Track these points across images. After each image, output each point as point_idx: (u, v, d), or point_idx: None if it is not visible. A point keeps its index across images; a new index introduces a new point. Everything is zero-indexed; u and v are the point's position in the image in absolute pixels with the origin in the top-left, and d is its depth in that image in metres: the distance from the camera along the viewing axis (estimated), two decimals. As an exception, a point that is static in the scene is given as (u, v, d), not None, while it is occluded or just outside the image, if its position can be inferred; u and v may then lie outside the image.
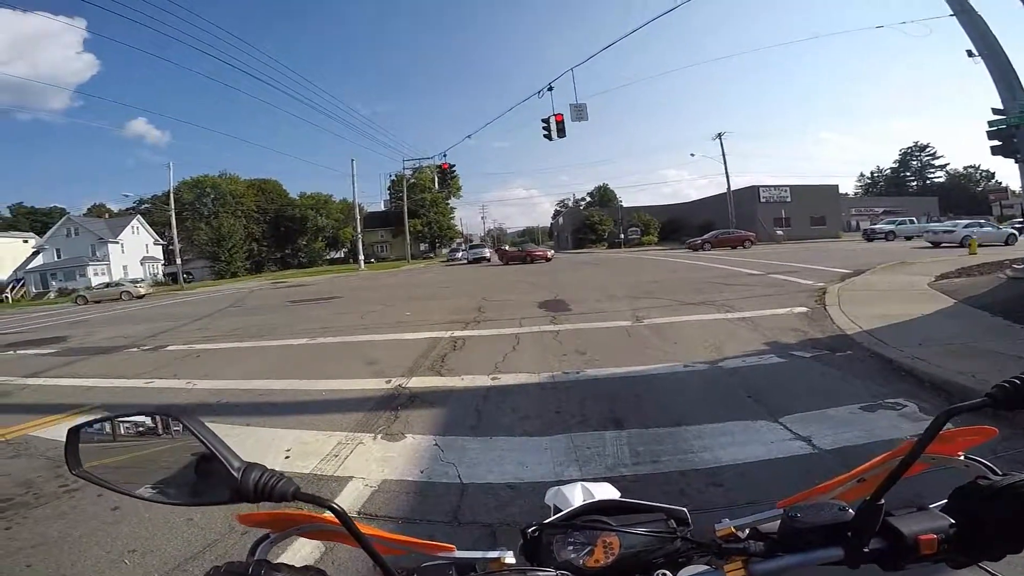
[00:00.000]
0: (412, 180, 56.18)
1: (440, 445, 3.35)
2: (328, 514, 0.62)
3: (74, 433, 0.63)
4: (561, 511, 0.73)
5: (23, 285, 47.76)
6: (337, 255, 64.00)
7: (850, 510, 0.55)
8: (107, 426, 0.65)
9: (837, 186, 52.87)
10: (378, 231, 64.65)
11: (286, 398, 4.84)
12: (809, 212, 43.75)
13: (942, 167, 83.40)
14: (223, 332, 9.96)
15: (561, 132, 17.75)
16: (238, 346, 8.20)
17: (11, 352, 9.72)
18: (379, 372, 5.46)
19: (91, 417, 0.66)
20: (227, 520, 2.54)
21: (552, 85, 17.66)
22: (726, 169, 44.00)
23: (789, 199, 46.46)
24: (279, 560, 0.59)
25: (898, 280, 9.35)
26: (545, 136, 17.91)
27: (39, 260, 50.84)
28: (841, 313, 6.39)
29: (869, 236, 32.33)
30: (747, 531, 0.61)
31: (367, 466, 3.11)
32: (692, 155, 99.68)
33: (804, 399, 3.65)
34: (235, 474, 0.54)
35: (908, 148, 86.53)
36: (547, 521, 0.65)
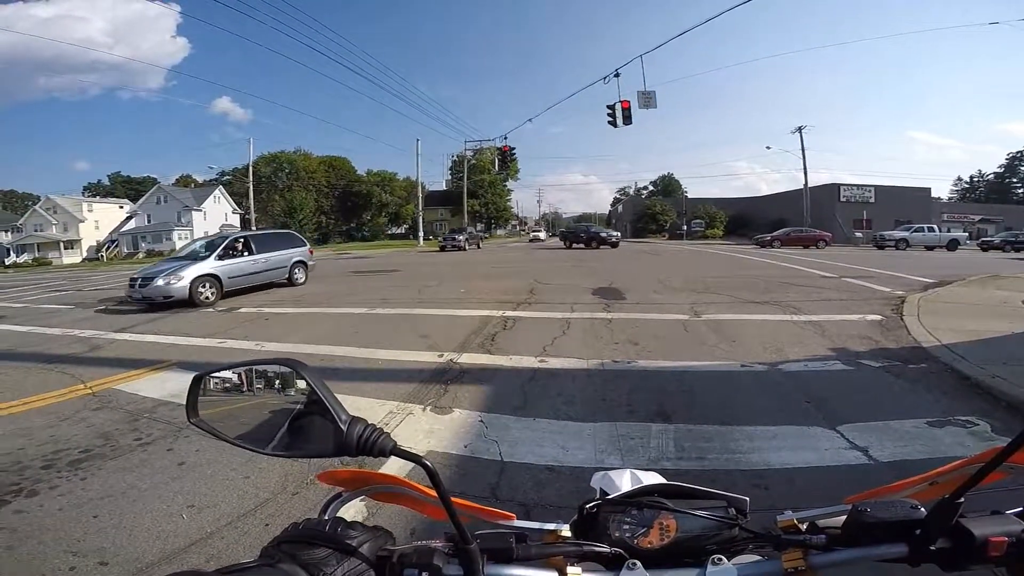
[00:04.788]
0: (472, 161, 56.72)
1: (485, 422, 3.44)
2: (401, 476, 0.68)
3: (196, 382, 0.66)
4: (608, 494, 0.74)
5: (116, 246, 53.01)
6: (398, 231, 66.15)
7: (922, 508, 0.54)
8: (225, 376, 0.67)
9: (929, 189, 47.80)
10: (438, 209, 66.02)
11: (344, 364, 5.11)
12: (894, 215, 40.00)
13: (1057, 175, 73.79)
14: (290, 297, 10.60)
15: (627, 119, 17.23)
16: (303, 311, 8.72)
17: (103, 307, 10.69)
18: (432, 346, 5.64)
19: (212, 367, 0.68)
20: (280, 480, 2.71)
21: (619, 72, 17.17)
22: (804, 164, 41.12)
23: (872, 200, 42.77)
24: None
25: (989, 295, 8.44)
26: (610, 123, 17.44)
27: (131, 224, 56.11)
28: (919, 324, 5.88)
29: (879, 244, 28.84)
30: (807, 524, 0.61)
31: (415, 436, 3.25)
32: (768, 148, 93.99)
33: (867, 409, 3.43)
34: (342, 427, 0.56)
35: (1017, 152, 77.05)
36: (607, 498, 0.66)
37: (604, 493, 0.82)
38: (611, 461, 2.81)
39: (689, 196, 59.33)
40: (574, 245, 29.47)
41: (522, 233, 53.20)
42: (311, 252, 13.29)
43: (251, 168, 42.71)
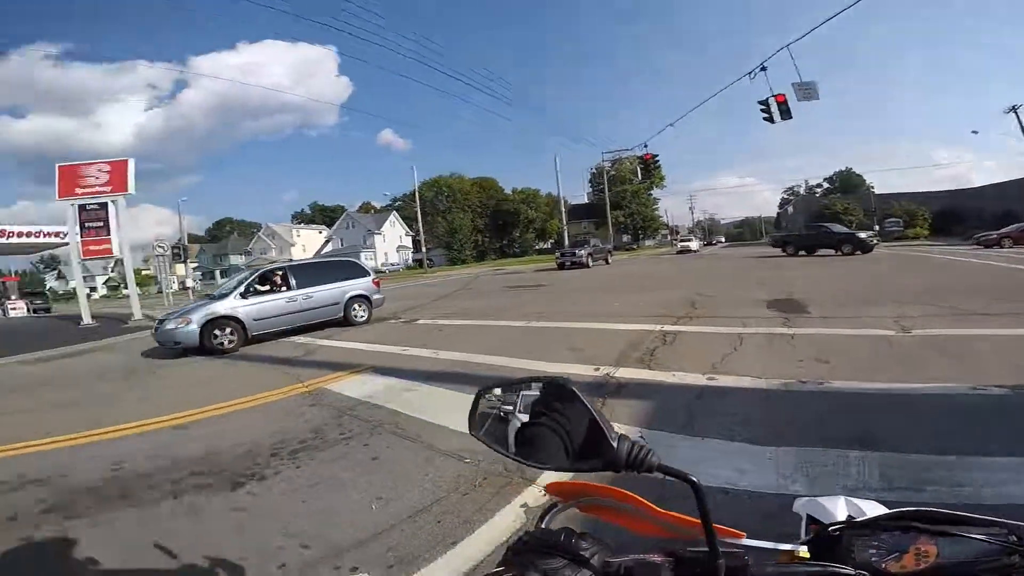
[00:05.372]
0: (612, 172, 55.90)
1: (646, 438, 3.34)
2: (618, 490, 0.71)
3: (478, 397, 0.72)
4: (819, 521, 0.72)
5: (317, 268, 64.56)
6: (544, 245, 68.03)
7: None
8: (501, 392, 0.72)
9: None
10: (582, 222, 66.25)
11: (509, 374, 5.42)
12: None
13: None
14: (458, 310, 11.68)
15: (786, 114, 15.70)
16: (470, 323, 9.55)
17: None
18: (587, 359, 5.69)
19: (493, 381, 0.75)
20: (454, 480, 2.97)
21: (765, 65, 15.81)
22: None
23: None
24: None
25: None
26: (765, 119, 16.02)
27: (329, 247, 67.45)
28: None
29: None
30: None
31: (575, 450, 3.30)
32: (974, 132, 75.56)
33: None
34: (613, 443, 0.59)
35: None
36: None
37: (812, 519, 0.78)
38: (796, 487, 2.54)
39: (877, 191, 50.23)
40: (800, 253, 23.46)
41: (673, 243, 48.74)
42: (377, 284, 11.08)
43: (417, 193, 48.16)
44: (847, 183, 68.89)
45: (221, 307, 8.75)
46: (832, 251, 22.10)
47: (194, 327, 8.33)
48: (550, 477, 2.93)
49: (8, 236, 22.49)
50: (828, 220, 46.41)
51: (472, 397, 0.76)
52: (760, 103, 16.07)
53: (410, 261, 62.78)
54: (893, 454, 2.79)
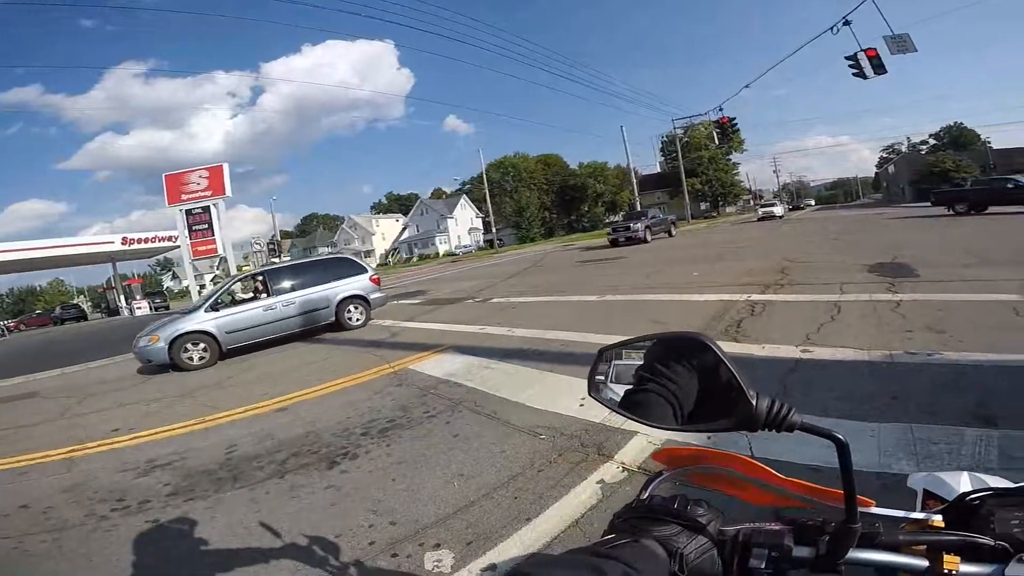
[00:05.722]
0: (685, 139, 52.69)
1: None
2: (736, 456, 0.68)
3: (600, 356, 0.69)
4: (939, 496, 0.70)
5: (398, 253, 67.50)
6: (616, 218, 66.19)
7: None
8: (628, 349, 0.69)
9: None
10: (655, 192, 63.55)
11: (582, 350, 5.34)
12: None
13: None
14: (530, 287, 11.75)
15: (880, 68, 14.35)
16: (542, 299, 9.57)
17: (395, 302, 12.53)
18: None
19: (617, 340, 0.71)
20: (529, 456, 3.01)
21: (848, 19, 14.30)
22: None
23: None
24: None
25: None
26: (855, 75, 14.73)
27: (406, 234, 70.54)
28: None
29: None
30: None
31: (655, 426, 3.22)
32: None
33: None
34: (752, 401, 0.54)
35: None
36: (999, 488, 0.61)
37: (929, 493, 0.76)
38: (901, 466, 2.33)
39: (994, 147, 43.46)
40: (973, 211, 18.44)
41: (756, 208, 43.73)
42: (376, 282, 9.96)
43: (484, 175, 48.52)
44: (960, 138, 60.29)
45: (188, 323, 8.21)
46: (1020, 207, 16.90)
47: (162, 345, 7.93)
48: (635, 449, 2.92)
49: (132, 243, 25.84)
50: (938, 178, 41.29)
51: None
52: (848, 58, 15.01)
53: (481, 242, 63.82)
54: (1016, 432, 2.47)
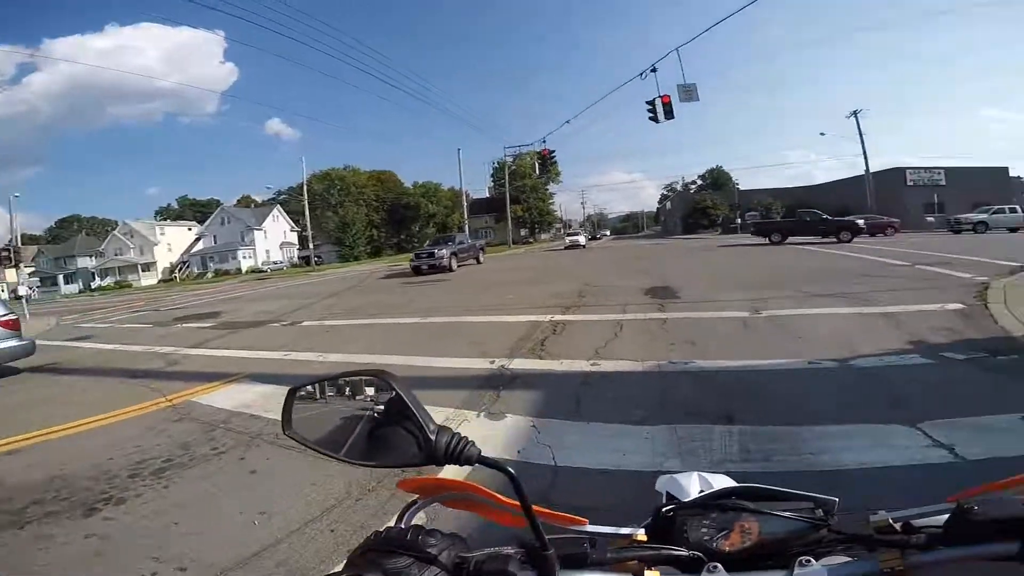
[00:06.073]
0: (513, 167, 57.01)
1: (537, 427, 3.42)
2: (475, 483, 0.69)
3: (291, 394, 0.68)
4: (676, 498, 0.74)
5: (188, 267, 57.30)
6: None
7: None
8: (317, 388, 0.69)
9: (1007, 168, 43.49)
10: (482, 217, 66.73)
11: (401, 373, 5.17)
12: (970, 198, 36.60)
13: None
14: (348, 310, 11.05)
15: (669, 114, 16.96)
16: (360, 323, 9.06)
17: (179, 325, 11.49)
18: (483, 352, 5.70)
19: (306, 380, 0.71)
20: (345, 487, 2.79)
21: (656, 67, 17.02)
22: (864, 150, 38.57)
23: (943, 182, 39.93)
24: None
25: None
26: (651, 119, 17.24)
27: (200, 245, 60.51)
28: (1007, 312, 5.36)
29: (955, 228, 26.06)
30: (900, 524, 0.58)
31: (470, 442, 3.28)
32: (822, 134, 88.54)
33: (951, 405, 3.16)
34: (431, 436, 0.57)
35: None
36: (685, 501, 0.65)
37: (670, 496, 0.81)
38: (671, 464, 2.72)
39: (741, 188, 57.09)
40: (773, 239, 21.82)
41: (565, 236, 47.04)
42: (11, 326, 7.07)
43: (305, 186, 44.94)
44: (718, 180, 77.14)
45: None
46: (823, 238, 21.01)
47: None
48: (454, 470, 2.86)
49: None
50: (700, 214, 52.04)
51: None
52: (647, 103, 17.21)
53: (295, 258, 58.49)
54: (749, 427, 3.11)
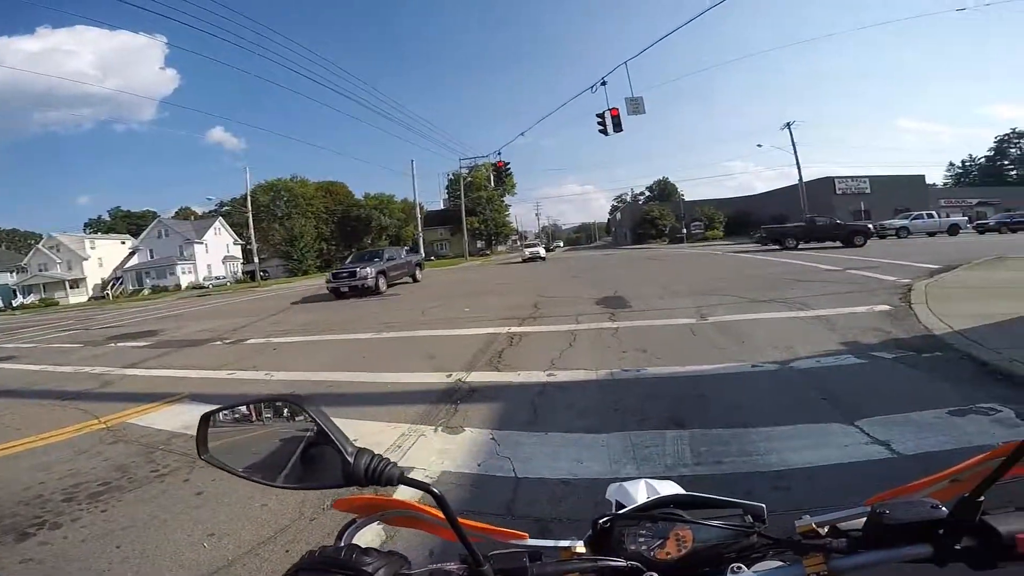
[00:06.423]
0: (468, 179, 57.12)
1: (496, 439, 3.40)
2: (414, 501, 0.68)
3: (205, 419, 0.68)
4: (624, 506, 0.75)
5: (121, 283, 53.43)
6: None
7: (943, 508, 0.53)
8: (232, 413, 0.70)
9: (923, 176, 48.79)
10: (437, 229, 66.36)
11: (354, 390, 5.09)
12: (892, 204, 40.28)
13: (1047, 154, 74.32)
14: (297, 326, 10.62)
15: (617, 127, 17.46)
16: (310, 339, 8.72)
17: (112, 344, 10.77)
18: (439, 366, 5.62)
19: (220, 404, 0.71)
20: (297, 506, 2.69)
21: (606, 80, 17.48)
22: (797, 160, 41.39)
23: (868, 190, 43.62)
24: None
25: (996, 277, 8.40)
26: (601, 131, 17.68)
27: (135, 260, 56.65)
28: (929, 312, 5.84)
29: (880, 233, 27.96)
30: (827, 528, 0.60)
31: (428, 457, 3.22)
32: (759, 146, 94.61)
33: (884, 402, 3.38)
34: (349, 459, 0.58)
35: (1005, 135, 78.05)
36: (620, 512, 0.66)
37: (620, 505, 0.82)
38: (627, 471, 2.76)
39: (686, 199, 59.71)
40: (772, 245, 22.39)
41: (522, 248, 44.03)
42: None
43: (249, 197, 43.10)
44: (665, 191, 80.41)
45: None
46: (837, 243, 21.24)
47: None
48: (407, 492, 2.77)
49: None
50: (648, 224, 53.87)
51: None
52: (598, 116, 17.64)
53: (239, 273, 55.83)
54: (699, 431, 3.21)
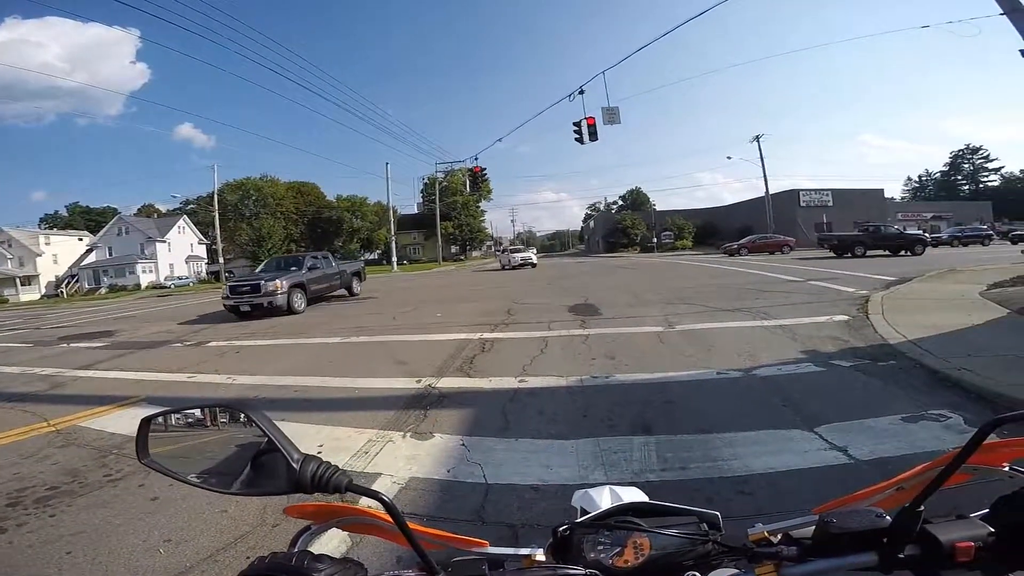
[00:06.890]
0: (444, 183, 56.90)
1: (467, 445, 3.38)
2: (370, 508, 0.66)
3: (146, 423, 0.66)
4: (589, 513, 0.75)
5: (77, 281, 50.89)
6: (371, 256, 65.41)
7: (887, 516, 0.55)
8: (175, 417, 0.68)
9: (882, 190, 51.22)
10: (411, 233, 65.72)
11: (321, 395, 4.98)
12: (852, 217, 42.11)
13: (996, 170, 79.10)
14: (261, 329, 10.31)
15: (593, 136, 17.66)
16: (276, 343, 8.49)
17: (64, 345, 10.28)
18: (410, 372, 5.55)
19: (161, 408, 0.69)
20: (259, 512, 2.62)
21: (583, 88, 17.59)
22: (764, 172, 43.05)
23: (831, 203, 45.35)
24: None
25: (947, 289, 8.87)
26: (577, 140, 17.84)
27: (92, 257, 54.04)
28: (884, 322, 6.12)
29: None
30: (779, 536, 0.61)
31: (395, 464, 3.17)
32: (728, 158, 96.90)
33: (842, 409, 3.52)
34: (295, 465, 0.57)
35: (959, 151, 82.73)
36: (578, 520, 0.66)
37: (584, 511, 0.83)
38: (595, 476, 2.79)
39: (658, 209, 60.96)
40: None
41: (498, 254, 42.38)
42: None
43: (216, 195, 41.87)
44: (637, 200, 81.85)
45: None
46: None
47: None
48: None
49: None
50: (620, 233, 54.77)
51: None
52: (574, 124, 17.81)
53: (204, 274, 53.99)
54: (665, 436, 3.26)
